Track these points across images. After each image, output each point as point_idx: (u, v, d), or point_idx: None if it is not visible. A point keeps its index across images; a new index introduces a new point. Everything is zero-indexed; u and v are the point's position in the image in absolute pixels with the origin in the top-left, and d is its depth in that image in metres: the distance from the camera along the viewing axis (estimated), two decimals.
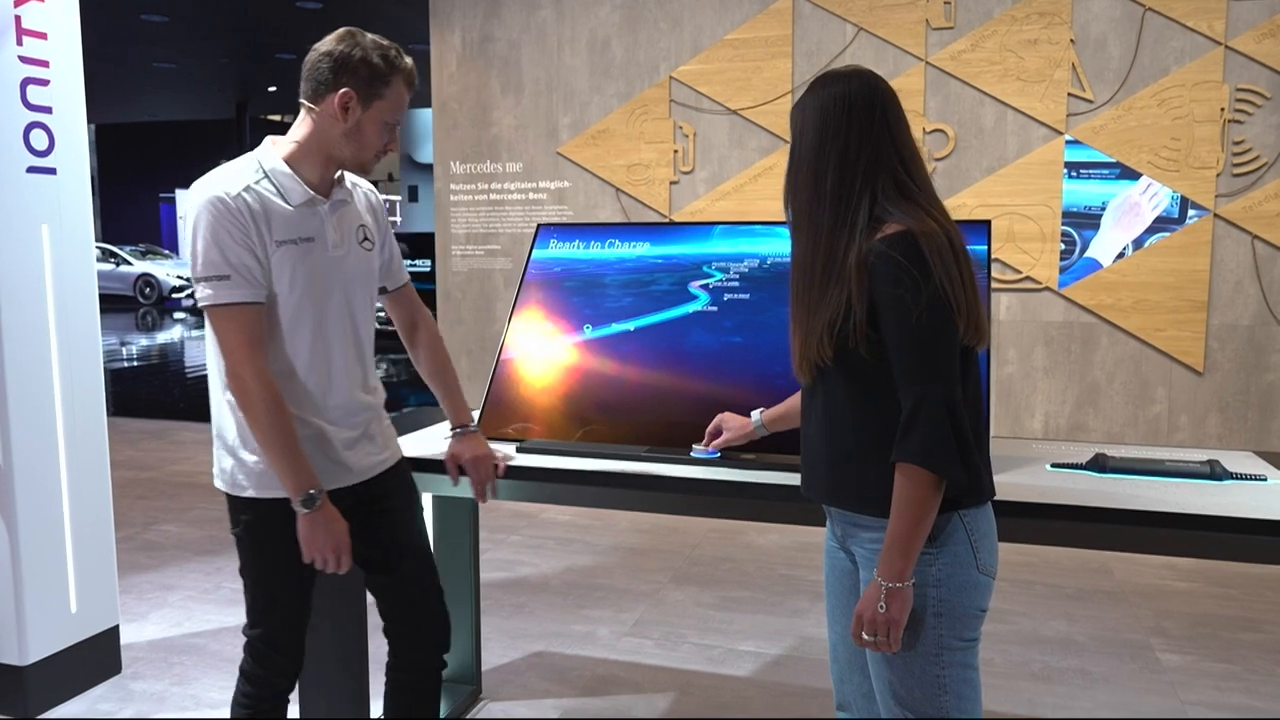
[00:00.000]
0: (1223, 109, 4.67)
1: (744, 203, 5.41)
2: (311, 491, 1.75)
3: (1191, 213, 4.75)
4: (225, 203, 1.72)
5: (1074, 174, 4.86)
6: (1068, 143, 4.84)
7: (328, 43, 1.78)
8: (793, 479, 1.91)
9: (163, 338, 13.94)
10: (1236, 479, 1.87)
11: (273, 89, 14.84)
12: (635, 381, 2.26)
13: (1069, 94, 4.87)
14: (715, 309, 2.27)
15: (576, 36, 5.63)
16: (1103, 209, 4.84)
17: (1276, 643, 3.11)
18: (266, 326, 1.78)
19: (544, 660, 3.05)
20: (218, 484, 1.89)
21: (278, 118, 19.66)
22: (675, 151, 5.51)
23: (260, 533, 1.86)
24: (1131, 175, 4.79)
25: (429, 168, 21.29)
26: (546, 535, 4.26)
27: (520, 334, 2.42)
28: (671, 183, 5.54)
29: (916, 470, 1.40)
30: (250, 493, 1.83)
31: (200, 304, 1.74)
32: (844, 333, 1.45)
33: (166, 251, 20.66)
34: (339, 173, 1.88)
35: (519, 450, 2.18)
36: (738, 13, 5.34)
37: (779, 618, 3.36)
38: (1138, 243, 4.81)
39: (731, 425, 1.99)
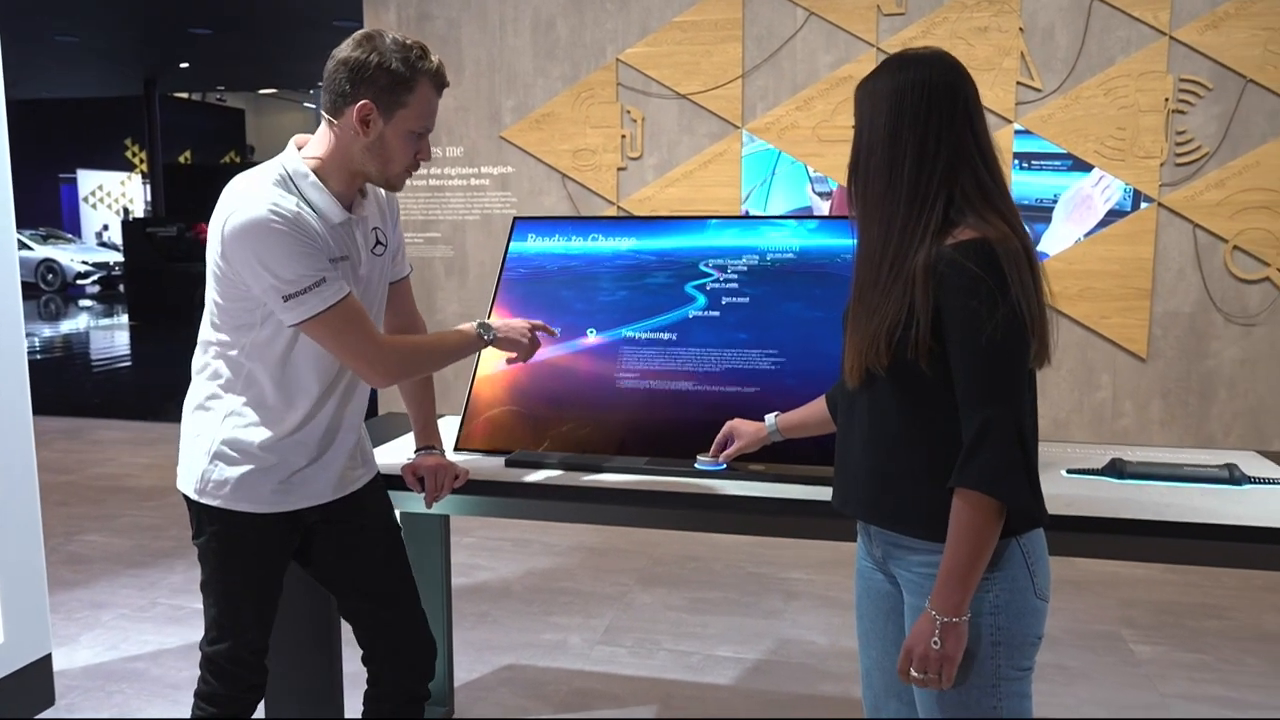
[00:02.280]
0: (1166, 99, 4.73)
1: (694, 189, 5.30)
2: (478, 332, 1.82)
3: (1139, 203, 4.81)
4: (282, 214, 1.58)
5: (1024, 165, 4.88)
6: (1017, 132, 4.85)
7: (345, 49, 1.63)
8: (809, 492, 1.82)
9: (67, 327, 13.22)
10: (1255, 483, 1.84)
11: (185, 65, 14.13)
12: (631, 385, 2.14)
13: (1018, 82, 4.88)
14: (716, 310, 2.15)
15: (519, 16, 5.43)
16: (1054, 201, 4.87)
17: (1241, 630, 3.16)
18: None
19: (516, 674, 2.91)
20: (184, 487, 1.75)
21: (187, 95, 18.83)
22: (623, 136, 5.36)
23: (228, 545, 1.74)
24: (1083, 167, 4.82)
25: None
26: (502, 537, 4.10)
27: None
28: (619, 169, 5.39)
29: (980, 497, 1.30)
30: (220, 503, 1.71)
31: (305, 319, 1.59)
32: (904, 342, 1.35)
33: (69, 236, 19.64)
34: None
35: (507, 464, 2.03)
36: None
37: (754, 619, 3.28)
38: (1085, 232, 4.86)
39: (744, 433, 1.87)
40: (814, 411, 1.77)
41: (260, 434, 1.70)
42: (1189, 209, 4.77)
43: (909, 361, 1.36)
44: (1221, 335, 4.79)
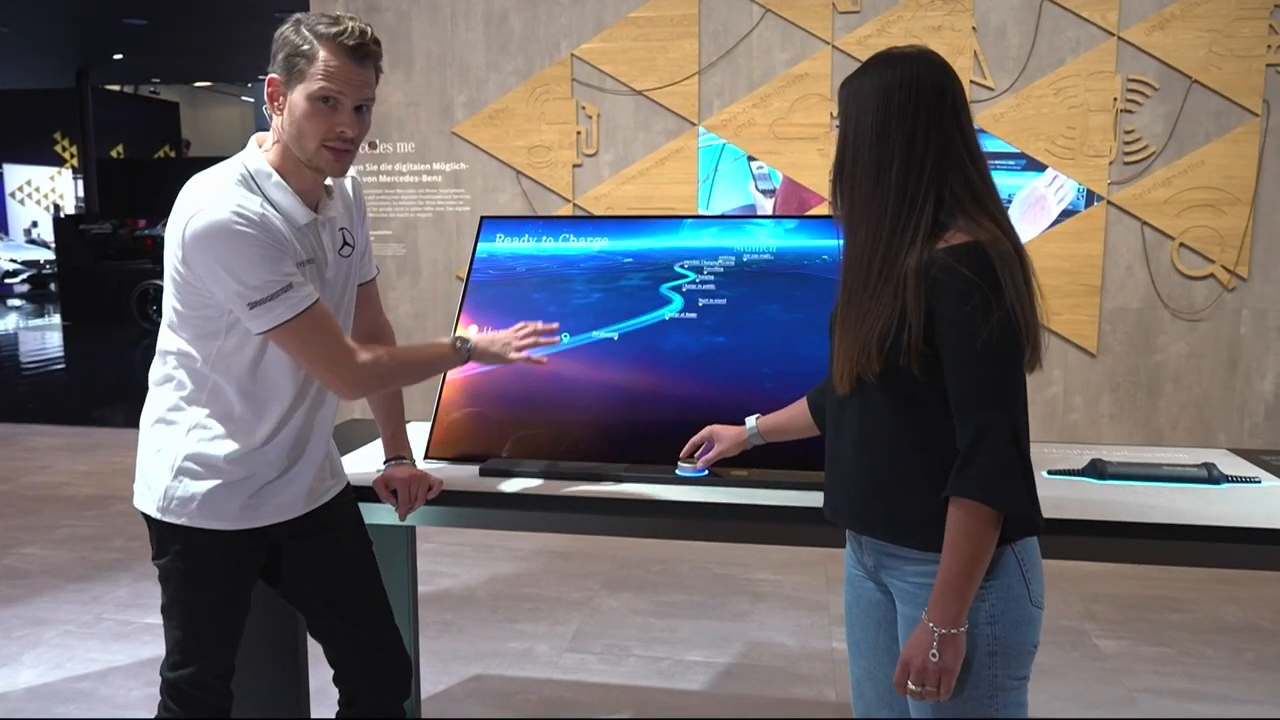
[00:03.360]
0: (1115, 99, 4.81)
1: (651, 187, 5.25)
2: (458, 345, 1.76)
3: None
4: (246, 216, 1.49)
5: None
6: None
7: None
8: (793, 499, 1.78)
9: None
10: (1233, 482, 1.85)
11: (118, 56, 13.67)
12: (608, 390, 2.08)
13: (971, 81, 4.92)
14: (693, 312, 2.10)
15: (471, 9, 5.33)
16: (1009, 202, 4.92)
17: (1201, 622, 3.22)
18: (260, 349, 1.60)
19: (484, 685, 2.84)
20: (141, 505, 1.66)
21: (120, 88, 18.25)
22: (578, 133, 5.30)
23: (192, 565, 1.65)
24: (1037, 167, 4.88)
25: None
26: (464, 542, 4.02)
27: None
28: (575, 165, 5.32)
29: (976, 506, 1.28)
30: (185, 521, 1.62)
31: (273, 327, 1.50)
32: (896, 347, 1.32)
33: None
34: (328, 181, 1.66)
35: (481, 473, 1.96)
36: None
37: (722, 622, 3.25)
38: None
39: (724, 436, 1.83)
40: (796, 415, 1.74)
41: (228, 447, 1.61)
42: (1137, 207, 4.85)
43: (901, 367, 1.33)
44: (1168, 330, 4.89)
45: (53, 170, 21.58)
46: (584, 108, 5.27)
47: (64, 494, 4.80)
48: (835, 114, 5.02)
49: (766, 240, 2.13)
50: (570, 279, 2.19)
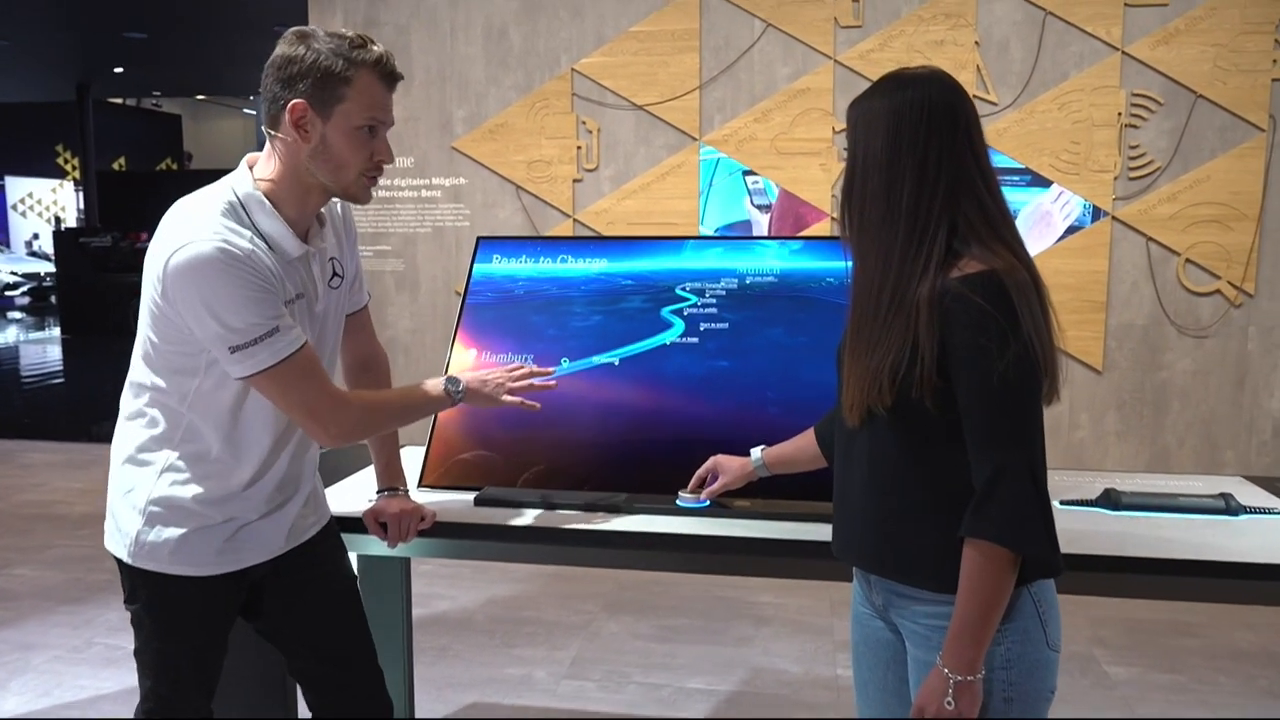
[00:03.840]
0: (1119, 114, 4.77)
1: (651, 202, 5.22)
2: (449, 389, 1.68)
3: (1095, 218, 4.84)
4: (234, 253, 1.40)
5: None
6: None
7: (276, 52, 1.46)
8: (798, 531, 1.73)
9: None
10: (1252, 513, 1.79)
11: (119, 70, 13.67)
12: (607, 417, 2.03)
13: (974, 96, 4.87)
14: (694, 336, 2.05)
15: (471, 23, 5.30)
16: (1013, 217, 4.87)
17: (1213, 648, 3.15)
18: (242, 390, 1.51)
19: (481, 713, 2.78)
20: (112, 547, 1.58)
21: (121, 101, 18.26)
22: (578, 148, 5.26)
23: (166, 613, 1.57)
24: (1041, 183, 4.84)
25: None
26: (461, 563, 3.96)
27: (467, 365, 2.14)
28: (575, 180, 5.29)
29: (993, 548, 1.23)
30: (157, 567, 1.54)
31: (254, 373, 1.42)
32: (908, 379, 1.26)
33: None
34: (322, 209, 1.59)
35: (476, 502, 1.91)
36: (642, 4, 5.12)
37: (725, 647, 3.19)
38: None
39: (728, 468, 1.78)
40: (802, 446, 1.68)
41: (204, 491, 1.52)
42: (1142, 222, 4.81)
43: (913, 400, 1.28)
44: (1174, 347, 4.84)
45: (55, 183, 21.58)
46: (584, 122, 5.23)
47: (57, 512, 4.74)
48: (837, 128, 4.98)
49: (770, 262, 2.08)
50: (569, 301, 2.14)
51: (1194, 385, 4.82)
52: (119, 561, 1.58)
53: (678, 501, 1.83)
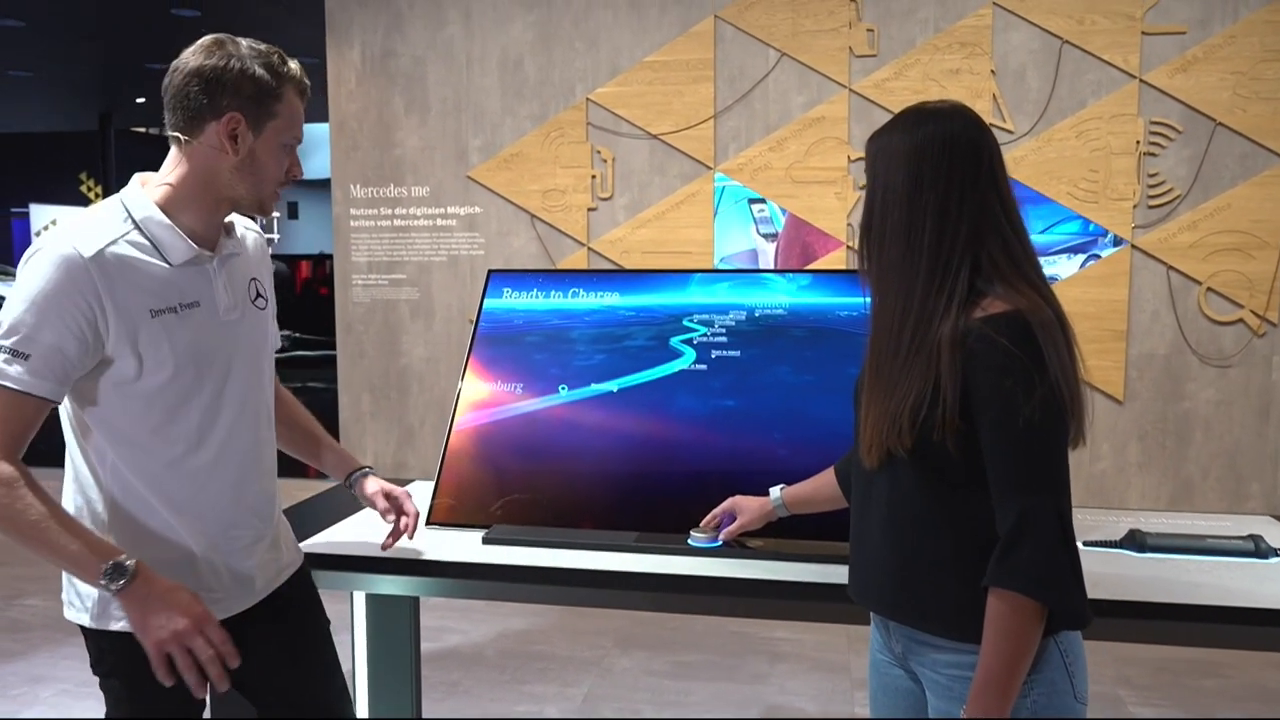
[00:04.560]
0: (1138, 142, 4.73)
1: (665, 231, 5.21)
2: (116, 561, 1.33)
3: (1112, 244, 4.80)
4: (73, 262, 1.35)
5: None
6: None
7: (193, 57, 1.41)
8: (814, 573, 1.69)
9: None
10: None
11: (141, 100, 13.85)
12: (616, 454, 1.99)
13: (991, 124, 4.85)
14: (703, 367, 2.02)
15: (487, 54, 5.33)
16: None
17: (1238, 689, 3.07)
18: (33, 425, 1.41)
19: None
20: (73, 616, 1.50)
21: (144, 129, 18.48)
22: (593, 177, 5.26)
23: (136, 673, 1.42)
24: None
25: (310, 183, 20.31)
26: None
27: (476, 401, 2.11)
28: (590, 209, 5.29)
29: (1019, 599, 1.18)
30: (120, 626, 1.43)
31: None
32: (929, 421, 1.23)
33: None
34: (229, 218, 1.53)
35: (485, 541, 1.87)
36: (657, 34, 5.14)
37: (739, 684, 3.13)
38: (1058, 274, 4.83)
39: (747, 509, 1.74)
40: (822, 486, 1.65)
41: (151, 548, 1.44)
42: (1162, 251, 4.75)
43: (934, 443, 1.24)
44: (1197, 377, 4.76)
45: (78, 210, 21.84)
46: (599, 151, 5.24)
47: None
48: (853, 157, 4.96)
49: (780, 297, 2.05)
50: (575, 340, 2.11)
51: (1217, 416, 4.74)
52: (83, 630, 1.49)
53: (689, 541, 1.80)
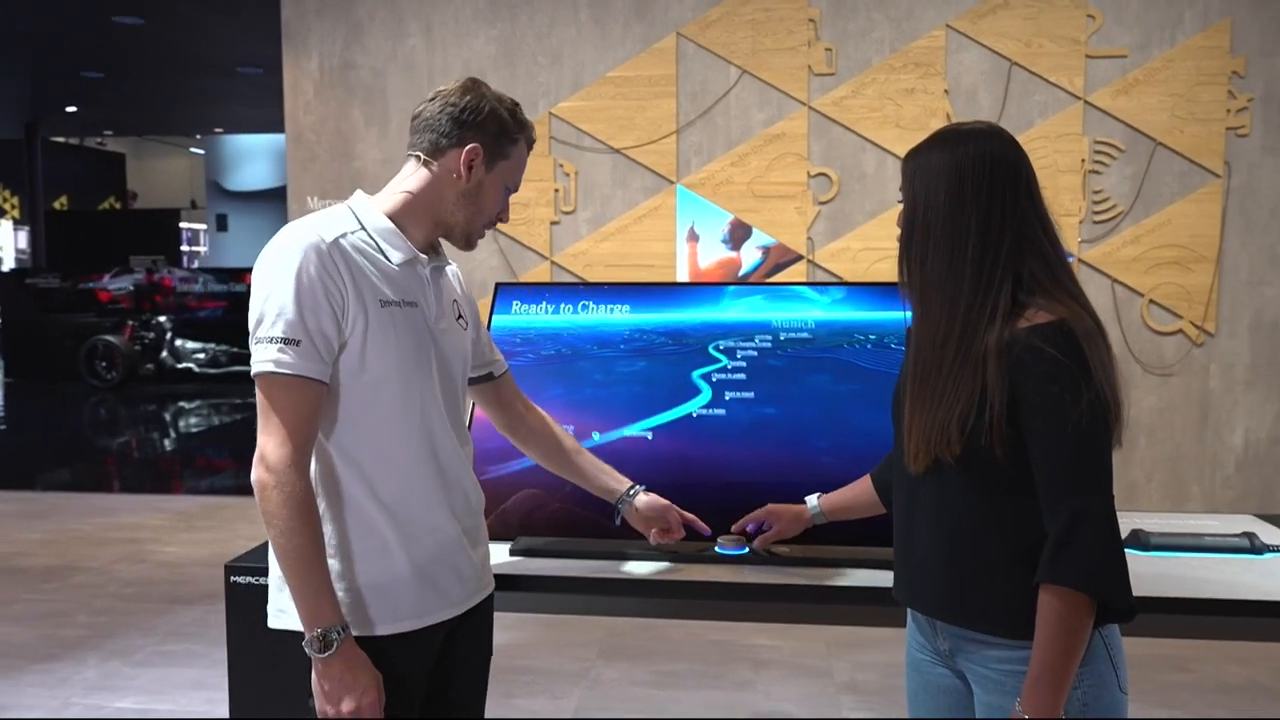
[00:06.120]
0: (1083, 160, 4.93)
1: (628, 244, 5.25)
2: (328, 629, 1.38)
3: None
4: (319, 250, 1.42)
5: None
6: None
7: (451, 93, 1.56)
8: (845, 577, 1.73)
9: None
10: (1275, 551, 1.85)
11: (72, 109, 13.40)
12: (648, 463, 2.00)
13: None
14: (722, 412, 2.04)
15: (449, 67, 5.31)
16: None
17: (1206, 682, 3.21)
18: (328, 413, 1.46)
19: None
20: (280, 624, 1.49)
21: (76, 140, 17.89)
22: (556, 190, 5.29)
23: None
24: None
25: (240, 195, 19.83)
26: None
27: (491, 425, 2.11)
28: (553, 223, 5.31)
29: (1072, 594, 1.24)
30: (357, 630, 1.45)
31: (257, 369, 1.39)
32: (977, 429, 1.29)
33: None
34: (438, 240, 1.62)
35: (512, 552, 1.88)
36: (620, 50, 5.19)
37: (725, 692, 3.17)
38: None
39: (783, 516, 1.77)
40: (860, 493, 1.70)
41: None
42: (1107, 265, 4.96)
43: (982, 448, 1.30)
44: (1140, 385, 4.97)
45: None
46: (562, 165, 5.27)
47: (18, 565, 4.56)
48: (812, 172, 5.05)
49: (805, 314, 2.10)
50: (598, 356, 2.12)
51: (1159, 423, 4.95)
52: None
53: (716, 548, 1.83)
